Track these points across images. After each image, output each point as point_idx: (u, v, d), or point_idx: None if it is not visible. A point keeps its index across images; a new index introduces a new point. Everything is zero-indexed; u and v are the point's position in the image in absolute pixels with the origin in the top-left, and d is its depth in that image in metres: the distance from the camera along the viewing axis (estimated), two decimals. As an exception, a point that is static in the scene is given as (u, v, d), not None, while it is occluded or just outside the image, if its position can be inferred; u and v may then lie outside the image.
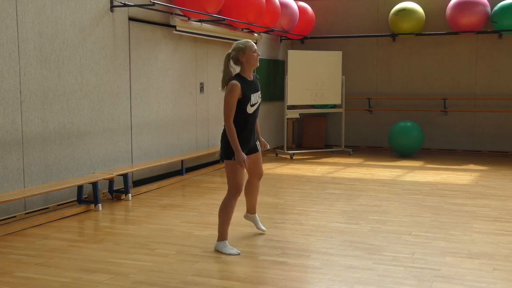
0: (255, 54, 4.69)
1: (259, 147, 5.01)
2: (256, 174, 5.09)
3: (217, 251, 4.75)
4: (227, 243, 4.78)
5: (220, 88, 4.70)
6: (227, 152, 4.65)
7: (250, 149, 4.86)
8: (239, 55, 4.66)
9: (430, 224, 5.68)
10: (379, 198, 7.01)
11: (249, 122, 4.69)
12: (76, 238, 5.31)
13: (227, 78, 4.65)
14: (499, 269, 4.31)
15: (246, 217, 5.39)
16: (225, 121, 4.54)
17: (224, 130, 4.65)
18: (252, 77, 4.76)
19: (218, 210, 4.82)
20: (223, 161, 4.75)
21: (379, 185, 7.88)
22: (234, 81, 4.56)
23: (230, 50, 4.71)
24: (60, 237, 5.25)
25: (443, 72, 11.63)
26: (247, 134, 4.71)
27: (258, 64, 4.75)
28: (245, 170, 4.77)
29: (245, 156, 4.59)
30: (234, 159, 4.59)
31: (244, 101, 4.58)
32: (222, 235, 4.79)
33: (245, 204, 5.33)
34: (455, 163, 10.10)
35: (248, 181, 5.16)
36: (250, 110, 4.65)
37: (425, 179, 8.37)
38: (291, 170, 9.36)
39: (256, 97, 4.70)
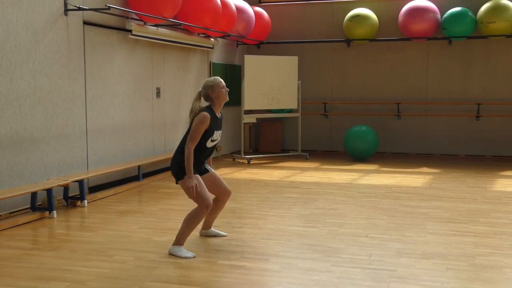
0: (224, 90, 4.86)
1: (209, 168, 5.09)
2: (226, 192, 5.14)
3: (172, 255, 4.75)
4: (183, 247, 4.79)
5: (188, 121, 4.85)
6: (180, 174, 4.74)
7: (200, 172, 4.95)
8: (209, 92, 4.84)
9: (386, 226, 5.79)
10: (336, 201, 7.11)
11: (204, 155, 4.88)
12: (30, 246, 5.19)
13: (196, 111, 4.80)
14: (452, 269, 4.44)
15: (202, 233, 5.37)
16: (187, 146, 4.65)
17: (176, 153, 4.81)
18: (220, 114, 4.94)
19: (182, 217, 4.84)
20: (177, 183, 4.85)
21: (336, 189, 7.99)
22: (206, 113, 4.72)
23: (201, 88, 4.89)
24: (13, 246, 5.12)
25: (396, 77, 11.90)
26: (198, 163, 4.86)
27: (228, 99, 4.91)
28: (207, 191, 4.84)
29: (197, 177, 4.71)
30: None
31: (207, 134, 4.76)
32: (180, 241, 4.80)
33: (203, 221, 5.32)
34: (409, 166, 10.33)
35: (217, 199, 5.16)
36: (209, 144, 4.83)
37: (380, 182, 8.53)
38: (249, 174, 9.39)
39: (217, 135, 4.89)
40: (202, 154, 4.85)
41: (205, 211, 4.78)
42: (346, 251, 4.91)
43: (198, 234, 5.38)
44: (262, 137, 12.67)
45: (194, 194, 4.66)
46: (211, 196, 4.85)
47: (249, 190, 7.93)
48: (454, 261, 4.64)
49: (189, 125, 4.80)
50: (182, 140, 4.85)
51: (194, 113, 4.80)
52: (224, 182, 5.17)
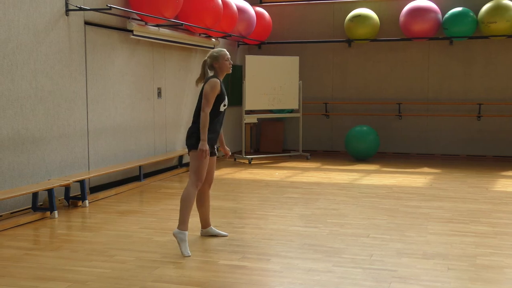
0: (228, 62, 5.06)
1: (216, 152, 5.21)
2: (207, 180, 5.21)
3: (175, 237, 4.84)
4: (187, 236, 4.85)
5: (195, 85, 5.12)
6: (198, 142, 4.87)
7: (211, 151, 5.06)
8: (213, 62, 5.04)
9: (387, 226, 5.79)
10: (337, 201, 7.11)
11: (218, 120, 5.06)
12: (31, 246, 5.19)
13: (204, 78, 5.06)
14: (452, 269, 4.44)
15: (203, 233, 5.40)
16: (202, 111, 4.84)
17: (193, 123, 4.98)
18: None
19: (179, 202, 4.96)
20: (189, 151, 5.00)
21: (337, 189, 7.99)
22: (215, 79, 4.95)
23: (206, 57, 5.08)
24: (14, 246, 5.13)
25: (397, 77, 11.90)
26: (213, 129, 5.00)
27: (231, 71, 5.13)
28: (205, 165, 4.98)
29: (207, 146, 4.84)
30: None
31: (220, 98, 4.96)
32: (183, 225, 4.88)
33: (199, 222, 5.36)
34: (410, 166, 10.33)
35: (199, 190, 5.19)
36: (221, 108, 5.02)
37: (381, 182, 8.53)
38: (250, 174, 9.39)
39: (227, 99, 5.07)
40: (216, 118, 5.01)
41: (195, 185, 4.93)
42: (347, 251, 4.92)
43: (199, 234, 5.39)
44: (263, 137, 12.67)
45: (203, 157, 4.81)
46: (204, 175, 4.98)
47: (250, 190, 7.94)
48: (455, 261, 4.64)
49: (199, 93, 4.97)
50: (195, 110, 5.01)
51: (202, 80, 5.04)
52: (213, 172, 5.24)
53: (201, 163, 4.91)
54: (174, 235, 4.87)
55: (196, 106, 5.02)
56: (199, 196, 5.25)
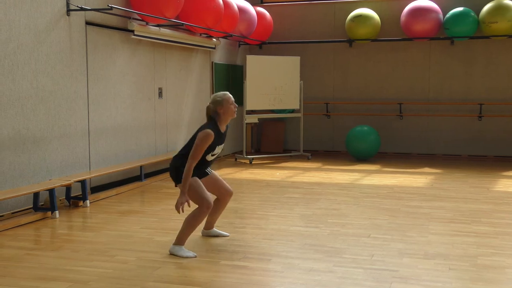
0: (232, 106, 4.82)
1: (209, 171, 5.09)
2: (227, 193, 5.15)
3: (173, 254, 4.77)
4: (183, 247, 4.80)
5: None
6: (179, 178, 4.75)
7: (200, 175, 4.95)
8: (217, 107, 4.80)
9: (388, 226, 5.79)
10: (338, 201, 7.10)
11: (204, 166, 4.91)
12: (32, 246, 5.19)
13: (205, 123, 4.85)
14: (454, 269, 4.43)
15: (204, 233, 5.39)
16: (188, 162, 4.65)
17: (177, 157, 4.84)
18: (224, 128, 4.93)
19: (185, 217, 4.85)
20: (176, 186, 4.87)
21: (338, 189, 7.98)
22: (210, 131, 4.69)
23: (209, 103, 4.87)
24: (15, 246, 5.13)
25: (398, 77, 11.89)
26: (198, 172, 4.87)
27: (235, 115, 4.90)
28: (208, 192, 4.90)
29: (185, 199, 4.63)
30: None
31: (209, 149, 4.77)
32: (181, 241, 4.82)
33: (205, 221, 5.35)
34: (411, 166, 10.33)
35: (218, 200, 5.18)
36: (209, 158, 4.86)
37: (382, 183, 8.53)
38: (251, 174, 9.39)
39: (219, 149, 4.90)
40: (202, 166, 4.88)
41: (206, 212, 4.79)
42: (348, 251, 4.91)
43: (199, 234, 5.38)
44: (264, 137, 12.66)
45: (180, 211, 4.62)
46: (211, 196, 4.86)
47: (251, 190, 7.94)
48: (456, 261, 4.63)
49: (194, 134, 4.82)
50: (185, 145, 4.86)
51: (200, 127, 4.83)
52: (225, 183, 5.18)
53: (197, 190, 4.73)
54: (171, 252, 4.79)
55: (189, 141, 4.84)
56: (216, 203, 5.15)
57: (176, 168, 4.81)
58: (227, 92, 4.87)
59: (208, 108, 4.86)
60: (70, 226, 6.05)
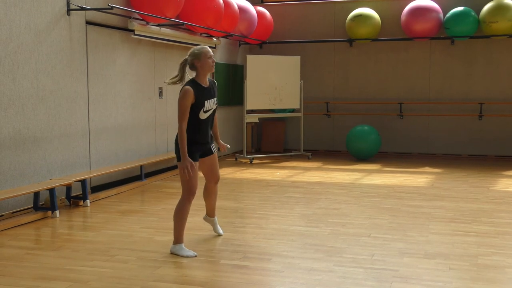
0: (210, 60, 4.73)
1: (214, 149, 5.05)
2: (212, 179, 5.14)
3: (174, 254, 4.77)
4: (183, 246, 4.80)
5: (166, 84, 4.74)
6: (178, 155, 4.70)
7: (205, 152, 4.91)
8: (194, 60, 4.71)
9: (388, 226, 5.79)
10: (338, 201, 7.10)
11: (202, 127, 4.77)
12: (32, 245, 5.19)
13: (181, 80, 4.74)
14: (454, 268, 4.43)
15: (205, 219, 5.42)
16: (179, 126, 4.60)
17: (176, 134, 4.72)
18: (207, 82, 4.82)
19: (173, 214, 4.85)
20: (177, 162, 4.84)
21: (338, 188, 7.98)
22: (187, 86, 4.62)
23: (187, 56, 4.77)
24: (15, 245, 5.13)
25: (399, 77, 11.89)
26: (200, 137, 4.78)
27: (213, 70, 4.81)
28: (201, 174, 4.87)
29: (191, 162, 4.60)
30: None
31: (197, 106, 4.65)
32: (178, 238, 4.82)
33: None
34: (411, 166, 10.32)
35: (205, 186, 5.21)
36: (203, 116, 4.72)
37: (382, 182, 8.53)
38: (251, 174, 9.39)
39: (211, 104, 4.76)
40: (199, 128, 4.74)
41: (188, 199, 4.75)
42: (348, 250, 4.91)
43: (199, 234, 5.38)
44: (265, 137, 12.66)
45: (187, 176, 4.60)
46: (196, 185, 4.77)
47: (251, 190, 7.93)
48: (457, 261, 4.63)
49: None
50: None
51: (179, 81, 4.73)
52: (217, 168, 5.11)
53: (186, 173, 4.63)
54: (172, 252, 4.79)
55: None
56: (205, 190, 5.19)
57: (175, 143, 4.74)
58: (206, 46, 4.79)
59: (184, 61, 4.75)
60: (71, 225, 6.05)
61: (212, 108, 4.79)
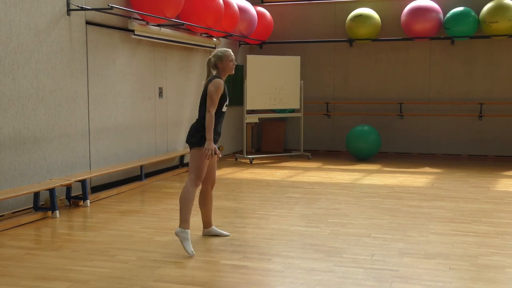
0: (231, 63, 5.09)
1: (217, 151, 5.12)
2: (209, 180, 5.22)
3: (177, 236, 4.84)
4: (189, 234, 4.84)
5: (204, 84, 5.10)
6: (202, 140, 4.89)
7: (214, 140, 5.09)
8: (217, 62, 5.07)
9: (388, 226, 5.79)
10: (338, 201, 7.10)
11: (220, 120, 5.10)
12: (32, 245, 5.19)
13: (210, 77, 5.06)
14: (454, 268, 4.43)
15: (204, 233, 5.41)
16: (209, 112, 4.86)
17: (197, 121, 5.01)
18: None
19: (178, 203, 4.96)
20: (191, 149, 5.00)
21: (338, 189, 7.98)
22: (220, 80, 4.97)
23: (211, 56, 5.10)
24: (15, 245, 5.13)
25: (399, 77, 11.89)
26: (219, 129, 5.09)
27: (233, 72, 5.16)
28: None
29: (215, 146, 4.87)
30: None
31: (223, 99, 5.00)
32: (184, 222, 4.88)
33: (201, 221, 5.38)
34: (411, 166, 10.32)
35: (201, 192, 5.26)
36: (224, 109, 5.09)
37: (382, 182, 8.53)
38: (251, 174, 9.39)
39: (228, 99, 5.13)
40: (219, 120, 5.06)
41: (195, 183, 4.94)
42: (348, 251, 4.91)
43: (200, 234, 5.39)
44: (265, 137, 12.66)
45: (210, 157, 4.84)
46: (205, 173, 4.99)
47: (251, 190, 7.93)
48: (457, 261, 4.63)
49: (202, 92, 4.99)
50: (199, 109, 5.01)
51: (208, 80, 5.02)
52: (215, 170, 5.26)
53: (203, 161, 4.91)
54: (176, 234, 4.86)
55: (200, 104, 5.01)
56: (201, 196, 5.27)
57: (195, 131, 4.97)
58: (229, 49, 5.10)
59: (209, 60, 5.10)
60: (71, 225, 6.05)
61: (227, 105, 5.12)
